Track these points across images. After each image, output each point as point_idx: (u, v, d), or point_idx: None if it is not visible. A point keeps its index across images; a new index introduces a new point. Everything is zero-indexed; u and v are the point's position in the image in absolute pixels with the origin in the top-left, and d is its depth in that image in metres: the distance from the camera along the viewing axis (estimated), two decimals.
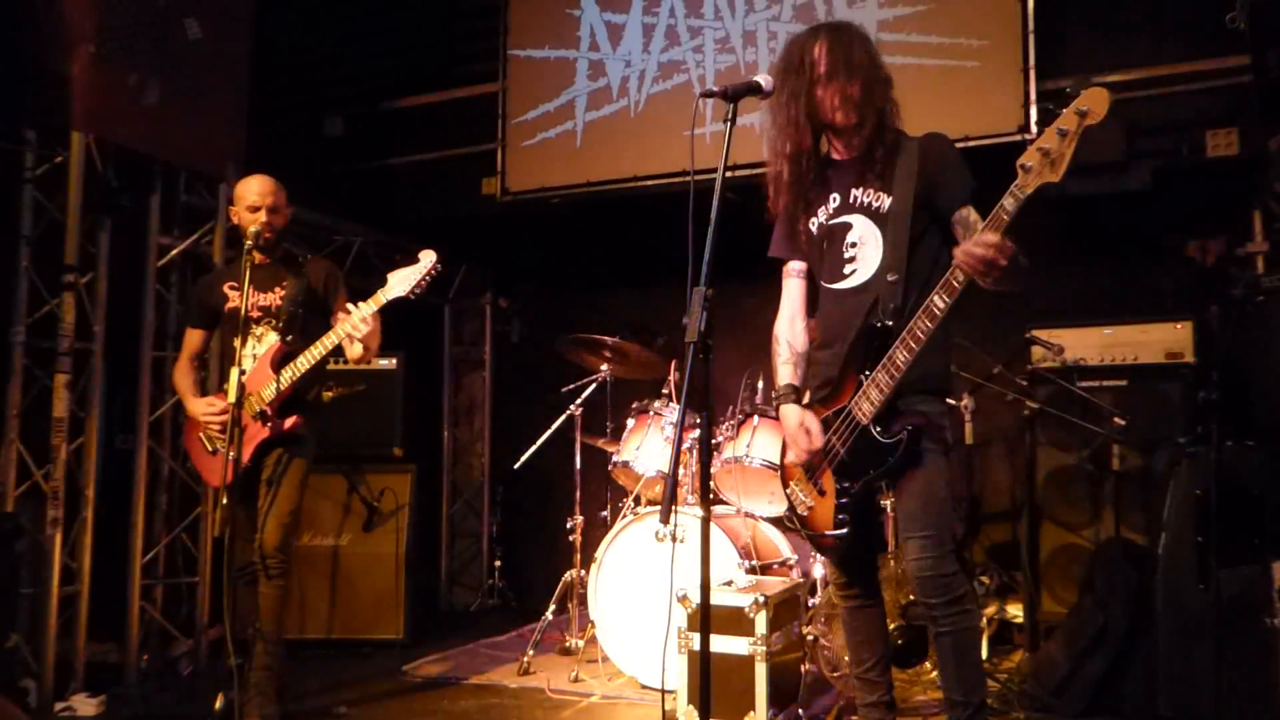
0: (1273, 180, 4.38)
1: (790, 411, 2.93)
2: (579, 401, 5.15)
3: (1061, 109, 2.39)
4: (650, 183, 5.65)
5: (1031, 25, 4.80)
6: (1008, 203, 2.45)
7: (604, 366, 5.13)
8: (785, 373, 3.02)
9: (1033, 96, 4.77)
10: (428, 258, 3.79)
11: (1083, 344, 4.56)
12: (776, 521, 4.62)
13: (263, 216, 3.87)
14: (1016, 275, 2.49)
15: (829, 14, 5.26)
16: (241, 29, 5.20)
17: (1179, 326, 4.43)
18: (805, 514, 2.97)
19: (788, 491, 3.04)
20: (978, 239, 2.45)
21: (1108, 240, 5.20)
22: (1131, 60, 4.74)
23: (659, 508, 4.38)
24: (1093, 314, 4.70)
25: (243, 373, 3.73)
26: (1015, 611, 4.86)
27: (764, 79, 2.63)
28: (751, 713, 3.59)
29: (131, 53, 4.53)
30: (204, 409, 3.92)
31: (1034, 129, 4.72)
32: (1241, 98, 4.44)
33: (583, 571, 4.82)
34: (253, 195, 3.90)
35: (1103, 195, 4.74)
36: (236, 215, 3.95)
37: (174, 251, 4.96)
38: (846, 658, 3.38)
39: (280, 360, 3.84)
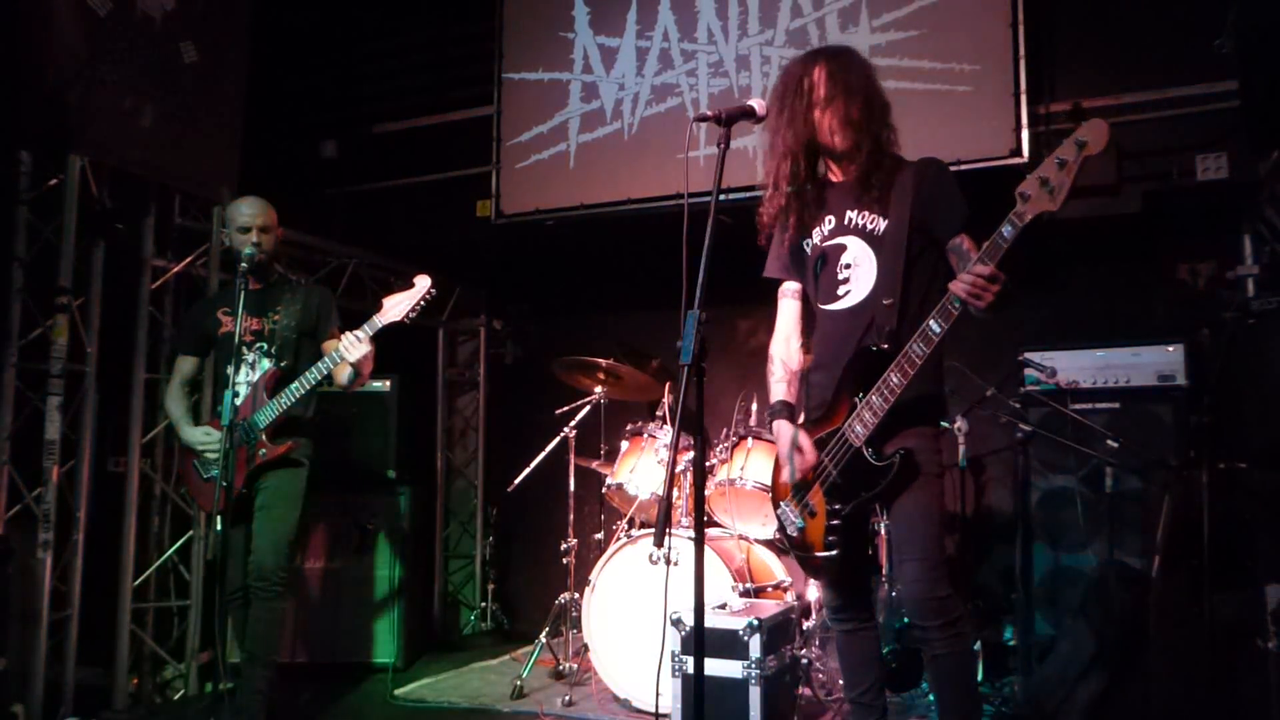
0: (1262, 203, 4.41)
1: (783, 427, 2.94)
2: (573, 424, 5.15)
3: (1059, 136, 2.43)
4: (644, 205, 5.67)
5: (1023, 51, 4.84)
6: (1005, 230, 2.48)
7: (598, 389, 5.13)
8: (779, 390, 3.03)
9: (1024, 121, 4.80)
10: (422, 283, 3.81)
11: (1075, 367, 4.57)
12: (771, 544, 4.62)
13: (254, 237, 3.88)
14: (1006, 304, 2.52)
15: (822, 38, 5.29)
16: (237, 53, 5.23)
17: (1171, 349, 4.44)
18: (795, 534, 2.97)
19: (778, 512, 3.04)
20: (972, 269, 2.48)
21: (1099, 264, 5.22)
22: (1122, 85, 4.78)
23: (653, 530, 4.37)
24: (1085, 337, 4.71)
25: (236, 396, 3.73)
26: (1009, 634, 4.85)
27: (757, 103, 2.66)
28: None
29: (127, 76, 4.55)
30: (200, 438, 3.91)
31: (1025, 153, 4.75)
32: (1230, 122, 4.47)
33: (576, 594, 4.81)
34: (244, 217, 3.91)
35: (1094, 219, 4.77)
36: (229, 236, 3.96)
37: (168, 274, 4.96)
38: (841, 681, 3.37)
39: (274, 385, 3.84)
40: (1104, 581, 3.97)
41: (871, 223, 2.88)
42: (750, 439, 4.60)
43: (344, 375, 3.83)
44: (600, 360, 4.91)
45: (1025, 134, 4.80)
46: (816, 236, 2.98)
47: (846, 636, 3.07)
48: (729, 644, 3.69)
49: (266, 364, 3.89)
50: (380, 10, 6.66)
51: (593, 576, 4.48)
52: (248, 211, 3.92)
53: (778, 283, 3.14)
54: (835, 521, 2.83)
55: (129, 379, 4.75)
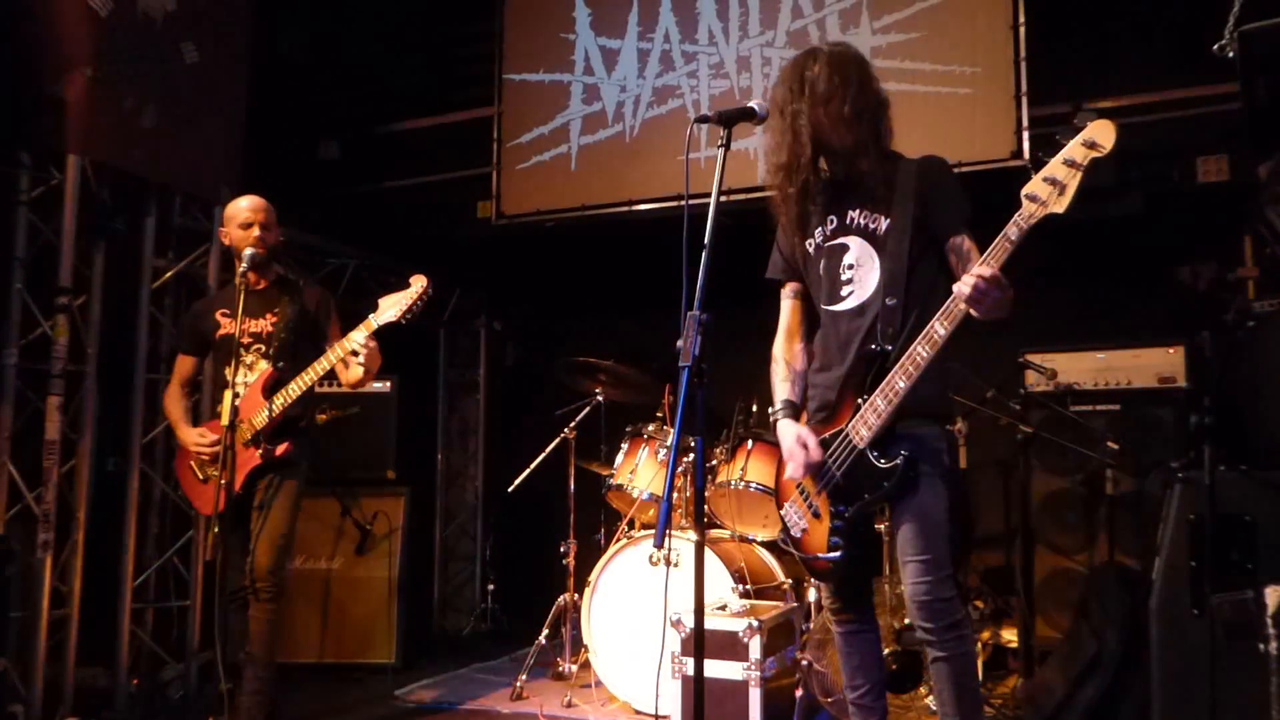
0: (1263, 206, 4.41)
1: (786, 427, 2.93)
2: (573, 425, 5.14)
3: (1060, 137, 2.40)
4: (644, 207, 5.67)
5: (1024, 53, 4.84)
6: (1011, 233, 2.46)
7: (598, 390, 5.13)
8: (783, 390, 3.02)
9: (1025, 123, 4.81)
10: (419, 283, 3.80)
11: (1076, 368, 4.57)
12: (771, 545, 4.62)
13: (255, 233, 3.88)
14: (1007, 309, 2.51)
15: (822, 40, 5.29)
16: (238, 54, 5.23)
17: (1171, 351, 4.44)
18: (799, 536, 2.96)
19: (782, 513, 3.03)
20: (975, 270, 2.46)
21: (1100, 265, 5.22)
22: (1123, 87, 4.78)
23: (653, 531, 4.37)
24: (1086, 338, 4.71)
25: (236, 397, 3.72)
26: (1010, 636, 4.85)
27: (758, 104, 2.65)
28: None
29: (128, 76, 4.55)
30: (195, 439, 3.91)
31: (1026, 155, 4.75)
32: (1231, 125, 4.47)
33: (576, 595, 4.81)
34: (244, 213, 3.91)
35: (1095, 221, 4.76)
36: (228, 235, 3.96)
37: (168, 274, 4.96)
38: (841, 683, 3.37)
39: (272, 386, 3.84)
40: (1104, 584, 3.97)
41: (873, 222, 2.86)
42: (751, 440, 4.59)
43: (351, 374, 3.84)
44: (601, 362, 4.91)
45: (1026, 136, 4.80)
46: (819, 236, 2.97)
47: (847, 638, 3.07)
48: (729, 645, 3.69)
49: (264, 365, 3.89)
50: (381, 10, 6.66)
51: (593, 577, 4.48)
52: (248, 207, 3.92)
53: (780, 283, 3.14)
54: (839, 524, 2.82)
55: (129, 379, 4.75)
